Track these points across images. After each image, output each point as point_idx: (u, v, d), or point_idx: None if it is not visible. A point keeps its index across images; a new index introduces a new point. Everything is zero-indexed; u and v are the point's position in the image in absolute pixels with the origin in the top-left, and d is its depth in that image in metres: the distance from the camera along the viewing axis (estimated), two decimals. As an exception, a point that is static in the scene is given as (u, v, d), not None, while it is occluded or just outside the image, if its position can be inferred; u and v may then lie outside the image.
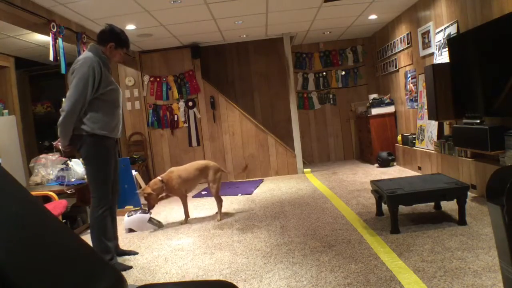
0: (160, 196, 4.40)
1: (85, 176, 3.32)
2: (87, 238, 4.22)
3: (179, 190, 4.36)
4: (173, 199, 5.74)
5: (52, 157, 4.73)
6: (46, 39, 4.59)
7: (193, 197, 5.83)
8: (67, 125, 2.98)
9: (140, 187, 5.48)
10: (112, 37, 3.14)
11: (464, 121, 4.25)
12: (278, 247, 3.31)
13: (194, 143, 7.15)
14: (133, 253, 3.54)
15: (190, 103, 7.09)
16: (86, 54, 3.06)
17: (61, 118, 2.98)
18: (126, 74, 7.12)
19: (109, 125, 3.11)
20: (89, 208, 3.21)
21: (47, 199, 4.00)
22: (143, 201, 5.08)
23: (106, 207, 3.14)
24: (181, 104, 7.10)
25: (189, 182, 4.42)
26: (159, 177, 4.34)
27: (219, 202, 4.46)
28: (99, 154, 3.09)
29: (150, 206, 4.29)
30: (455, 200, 3.33)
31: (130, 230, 4.28)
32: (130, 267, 3.20)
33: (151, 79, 7.10)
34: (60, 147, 3.16)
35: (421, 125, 5.78)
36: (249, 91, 7.86)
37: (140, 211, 4.42)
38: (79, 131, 3.03)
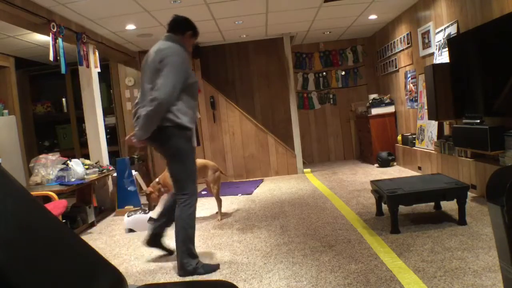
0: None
1: (169, 173, 2.98)
2: (87, 238, 4.22)
3: None
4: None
5: (52, 157, 4.73)
6: (46, 39, 4.59)
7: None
8: (157, 115, 2.69)
9: (140, 187, 5.48)
10: (189, 26, 2.98)
11: (464, 121, 4.24)
12: (278, 247, 3.31)
13: (194, 143, 7.13)
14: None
15: (190, 103, 7.08)
16: (168, 44, 2.85)
17: (152, 108, 2.66)
18: (126, 74, 7.12)
19: (194, 119, 2.92)
20: (178, 207, 2.89)
21: (47, 199, 4.00)
22: (143, 201, 5.09)
23: (195, 205, 2.93)
24: (181, 104, 7.09)
25: None
26: (156, 180, 4.35)
27: (219, 202, 4.45)
28: (190, 148, 2.89)
29: (151, 206, 4.30)
30: (455, 200, 3.33)
31: (130, 230, 4.28)
32: (217, 267, 2.95)
33: (151, 79, 7.09)
34: (133, 141, 2.89)
35: (421, 125, 5.78)
36: (249, 91, 7.86)
37: (140, 211, 4.42)
38: (166, 123, 2.75)
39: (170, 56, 2.76)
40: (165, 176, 4.34)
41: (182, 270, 2.85)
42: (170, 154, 2.88)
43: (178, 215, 2.88)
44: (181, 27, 2.95)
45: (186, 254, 2.84)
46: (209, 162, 4.55)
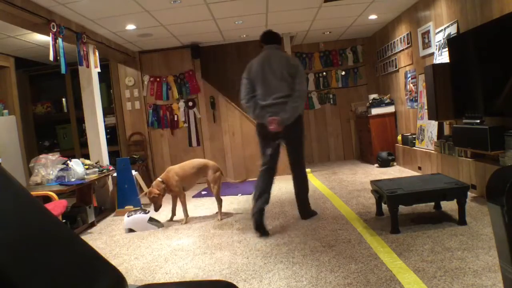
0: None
1: (292, 151, 3.81)
2: (87, 238, 4.22)
3: (177, 188, 4.37)
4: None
5: (52, 157, 4.73)
6: (46, 39, 4.59)
7: (193, 197, 5.83)
8: (302, 106, 3.69)
9: (140, 187, 5.48)
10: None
11: (464, 121, 4.24)
12: (278, 247, 3.31)
13: (194, 143, 7.14)
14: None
15: (190, 103, 7.09)
16: (285, 54, 4.10)
17: (301, 99, 3.59)
18: (126, 74, 7.12)
19: None
20: (300, 176, 3.91)
21: (47, 199, 4.00)
22: (143, 201, 5.09)
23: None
24: (181, 104, 7.10)
25: (186, 180, 4.42)
26: (159, 179, 4.36)
27: (219, 202, 4.46)
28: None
29: (157, 207, 4.31)
30: (455, 200, 3.32)
31: (130, 230, 4.28)
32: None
33: (151, 79, 7.10)
34: (274, 125, 3.54)
35: (421, 125, 5.78)
36: (249, 91, 7.84)
37: (140, 211, 4.42)
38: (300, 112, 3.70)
39: (298, 64, 3.78)
40: (168, 176, 4.35)
41: (308, 214, 3.99)
42: (298, 136, 3.75)
43: (303, 177, 3.94)
44: (280, 40, 3.91)
45: (309, 204, 4.04)
46: (209, 162, 4.56)
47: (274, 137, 3.66)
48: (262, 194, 3.68)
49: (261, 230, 3.64)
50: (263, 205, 3.65)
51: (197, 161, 4.58)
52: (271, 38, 3.79)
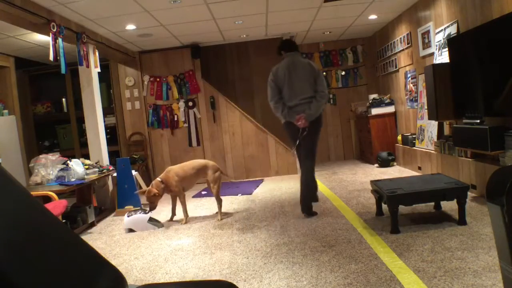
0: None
1: (308, 144, 4.20)
2: (87, 238, 4.22)
3: (177, 188, 4.37)
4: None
5: (52, 157, 4.73)
6: (46, 39, 4.59)
7: (193, 197, 5.83)
8: (324, 104, 4.22)
9: (140, 187, 5.48)
10: None
11: (464, 121, 4.24)
12: (278, 247, 3.31)
13: (194, 143, 7.14)
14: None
15: (190, 103, 7.09)
16: (304, 59, 4.38)
17: (324, 100, 4.13)
18: (126, 74, 7.12)
19: None
20: (310, 166, 4.21)
21: (47, 199, 4.00)
22: (143, 201, 5.09)
23: None
24: (181, 104, 7.10)
25: (186, 180, 4.42)
26: (158, 178, 4.36)
27: (219, 202, 4.46)
28: None
29: (153, 207, 4.31)
30: (455, 200, 3.32)
31: (130, 230, 4.28)
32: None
33: (151, 79, 7.10)
34: (302, 121, 4.03)
35: (421, 125, 5.78)
36: (249, 91, 7.85)
37: (140, 211, 4.42)
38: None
39: (319, 69, 4.29)
40: (168, 176, 4.35)
41: (309, 210, 4.16)
42: (316, 130, 4.18)
43: (311, 169, 4.21)
44: (298, 47, 4.36)
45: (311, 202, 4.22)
46: (209, 162, 4.56)
47: (301, 131, 4.14)
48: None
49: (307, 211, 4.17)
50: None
51: (197, 162, 4.59)
52: (292, 45, 4.32)
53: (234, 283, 1.81)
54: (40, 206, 1.35)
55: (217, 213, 4.51)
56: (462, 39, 4.33)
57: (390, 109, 6.96)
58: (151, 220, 4.34)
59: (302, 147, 4.20)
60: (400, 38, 6.41)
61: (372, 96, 7.26)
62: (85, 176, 4.66)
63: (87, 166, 4.84)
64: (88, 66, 5.09)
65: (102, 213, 5.17)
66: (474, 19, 4.20)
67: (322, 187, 5.55)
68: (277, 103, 4.20)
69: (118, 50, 6.24)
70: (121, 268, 3.13)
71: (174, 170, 4.42)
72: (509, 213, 1.40)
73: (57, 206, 3.58)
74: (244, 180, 6.97)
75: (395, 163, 6.67)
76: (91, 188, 4.97)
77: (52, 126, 7.34)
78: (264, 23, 6.09)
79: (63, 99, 7.34)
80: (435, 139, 5.21)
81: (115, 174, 5.24)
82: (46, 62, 6.59)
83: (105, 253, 3.61)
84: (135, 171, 5.65)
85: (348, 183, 5.63)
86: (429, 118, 4.79)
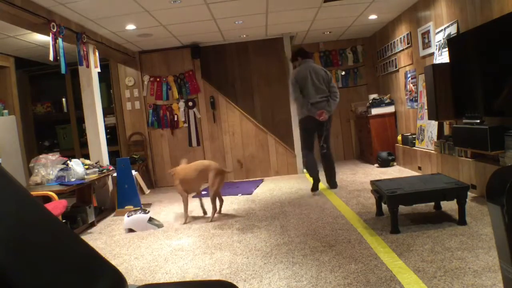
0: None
1: (327, 132, 5.22)
2: (87, 238, 4.23)
3: (178, 187, 4.38)
4: (173, 199, 5.74)
5: (52, 157, 4.73)
6: (46, 39, 4.59)
7: (194, 197, 5.82)
8: (338, 102, 5.20)
9: (140, 187, 5.48)
10: None
11: (464, 121, 4.24)
12: (278, 247, 3.31)
13: (194, 143, 7.14)
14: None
15: (190, 103, 7.09)
16: (317, 65, 5.52)
17: (337, 98, 5.13)
18: (126, 74, 7.12)
19: None
20: (327, 149, 5.28)
21: (47, 199, 4.00)
22: (143, 201, 5.08)
23: None
24: (181, 104, 7.10)
25: (185, 182, 4.40)
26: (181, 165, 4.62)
27: (213, 204, 4.41)
28: None
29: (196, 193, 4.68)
30: (455, 200, 3.32)
31: (130, 230, 4.28)
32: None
33: (151, 79, 7.10)
34: (324, 116, 5.00)
35: (421, 125, 5.78)
36: (249, 91, 7.86)
37: (140, 211, 4.42)
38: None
39: (331, 75, 5.35)
40: (175, 173, 4.40)
41: (335, 184, 5.45)
42: (331, 124, 5.23)
43: (330, 153, 5.37)
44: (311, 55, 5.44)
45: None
46: (212, 165, 4.43)
47: (320, 124, 5.10)
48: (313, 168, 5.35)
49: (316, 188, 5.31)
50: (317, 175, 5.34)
51: (200, 164, 4.52)
52: (307, 53, 5.35)
53: (234, 283, 1.81)
54: (40, 206, 1.35)
55: (215, 213, 4.49)
56: (462, 39, 4.33)
57: (390, 109, 6.96)
58: (151, 220, 4.34)
59: (324, 135, 5.17)
60: (400, 38, 6.41)
61: (372, 96, 7.26)
62: (85, 176, 4.66)
63: (87, 166, 4.84)
64: (88, 66, 5.09)
65: (102, 213, 5.17)
66: (474, 19, 4.20)
67: (323, 187, 5.55)
68: (300, 99, 5.09)
69: (118, 50, 6.24)
70: (121, 268, 3.13)
71: (177, 170, 4.44)
72: (509, 213, 1.40)
73: (57, 206, 3.58)
74: (244, 180, 6.97)
75: (395, 163, 6.67)
76: (91, 188, 4.97)
77: (52, 126, 7.34)
78: (264, 23, 6.09)
79: (63, 99, 7.35)
80: (435, 139, 5.21)
81: (115, 174, 5.24)
82: (46, 62, 6.59)
83: (105, 253, 3.61)
84: (135, 171, 5.65)
85: (348, 183, 5.63)
86: (429, 118, 4.79)
